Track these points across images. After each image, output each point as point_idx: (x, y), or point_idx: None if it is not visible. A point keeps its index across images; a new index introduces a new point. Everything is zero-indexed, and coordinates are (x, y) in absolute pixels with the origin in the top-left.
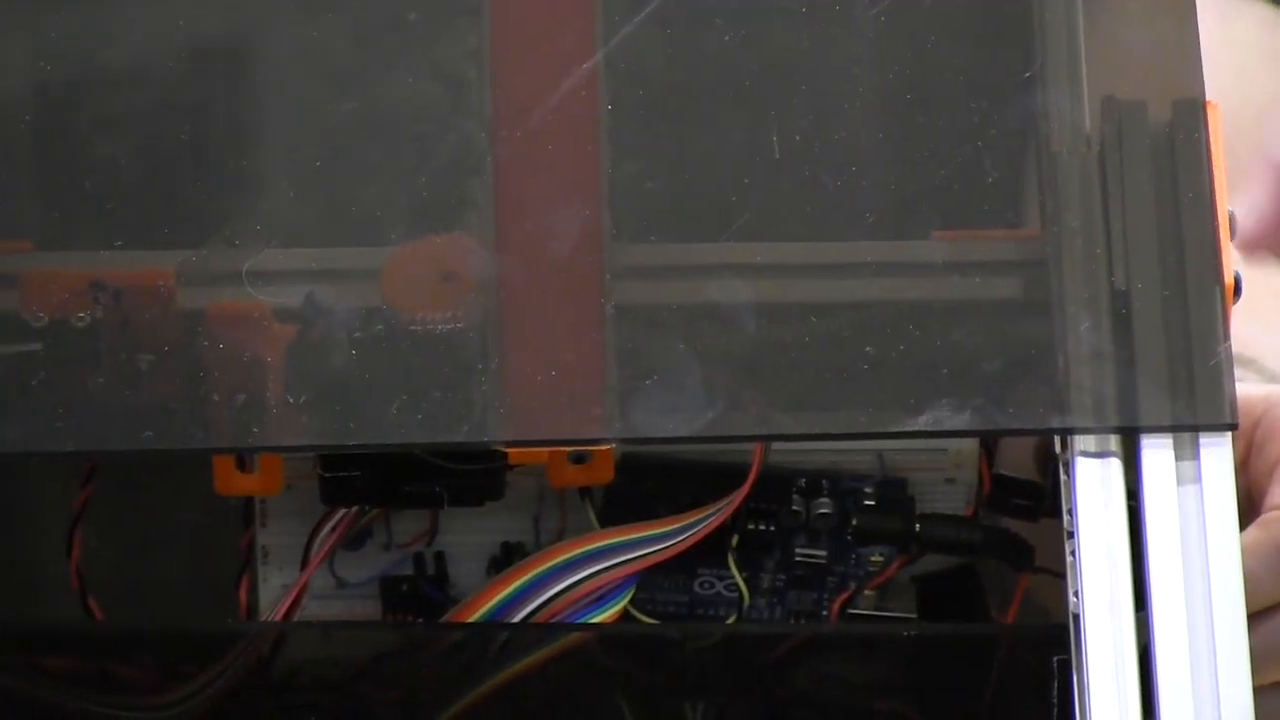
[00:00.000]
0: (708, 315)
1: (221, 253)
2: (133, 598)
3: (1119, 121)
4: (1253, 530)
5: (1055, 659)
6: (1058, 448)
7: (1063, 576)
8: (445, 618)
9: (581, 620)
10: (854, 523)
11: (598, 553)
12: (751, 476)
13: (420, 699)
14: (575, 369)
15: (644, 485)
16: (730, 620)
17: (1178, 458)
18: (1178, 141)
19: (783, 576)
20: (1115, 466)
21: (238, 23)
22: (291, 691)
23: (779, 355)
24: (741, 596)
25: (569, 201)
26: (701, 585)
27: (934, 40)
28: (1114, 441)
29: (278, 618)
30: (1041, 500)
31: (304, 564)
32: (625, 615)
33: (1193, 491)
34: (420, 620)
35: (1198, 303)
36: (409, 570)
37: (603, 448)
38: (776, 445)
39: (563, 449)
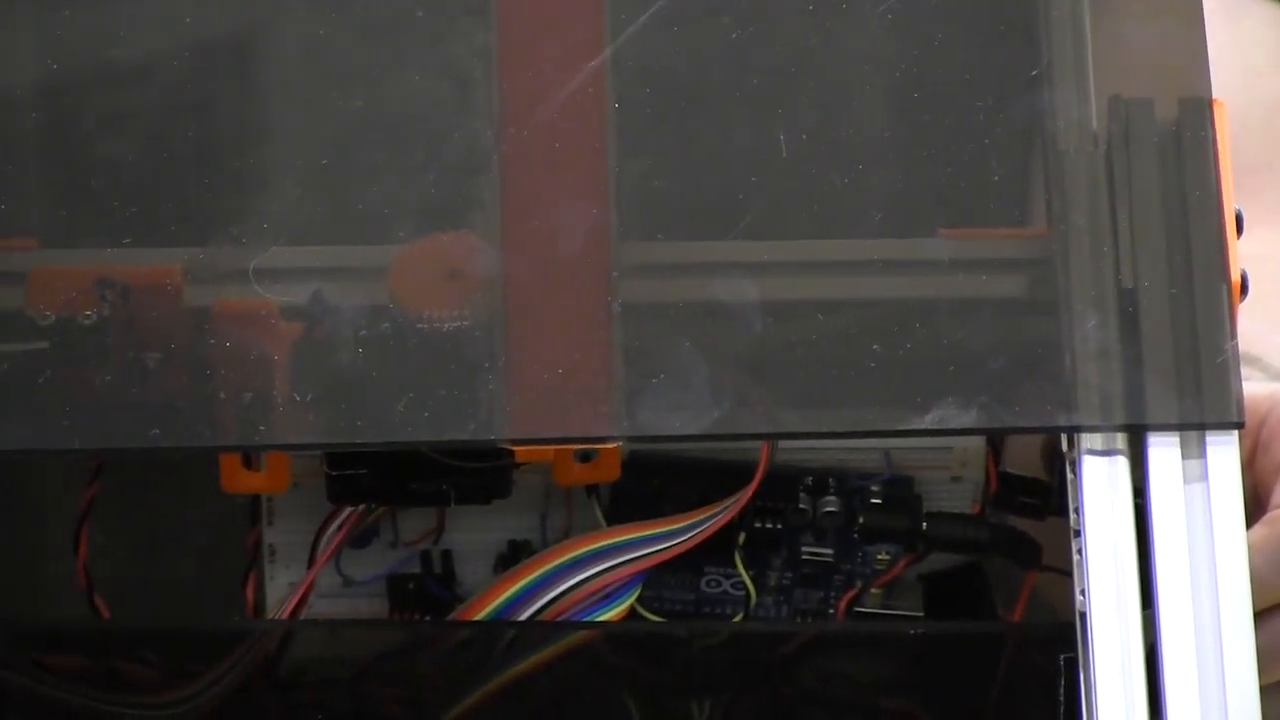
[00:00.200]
0: (714, 313)
1: (228, 251)
2: (139, 596)
3: (1126, 120)
4: (1259, 528)
5: (1062, 657)
6: (1064, 446)
7: (1069, 575)
8: (452, 616)
9: (588, 618)
10: (861, 521)
11: (604, 551)
12: (758, 475)
13: (427, 697)
14: (582, 367)
15: (650, 483)
16: (737, 618)
17: (1184, 456)
18: (1184, 140)
19: (789, 575)
20: (1122, 465)
21: (244, 20)
22: (298, 690)
23: (786, 353)
24: (748, 595)
25: (576, 200)
26: (708, 583)
27: (940, 38)
28: (1121, 440)
29: (284, 616)
30: (1048, 498)
31: (311, 562)
32: (632, 613)
33: (1199, 490)
34: (427, 618)
35: (1204, 301)
36: (416, 568)
37: (609, 446)
38: (783, 444)
39: (569, 447)
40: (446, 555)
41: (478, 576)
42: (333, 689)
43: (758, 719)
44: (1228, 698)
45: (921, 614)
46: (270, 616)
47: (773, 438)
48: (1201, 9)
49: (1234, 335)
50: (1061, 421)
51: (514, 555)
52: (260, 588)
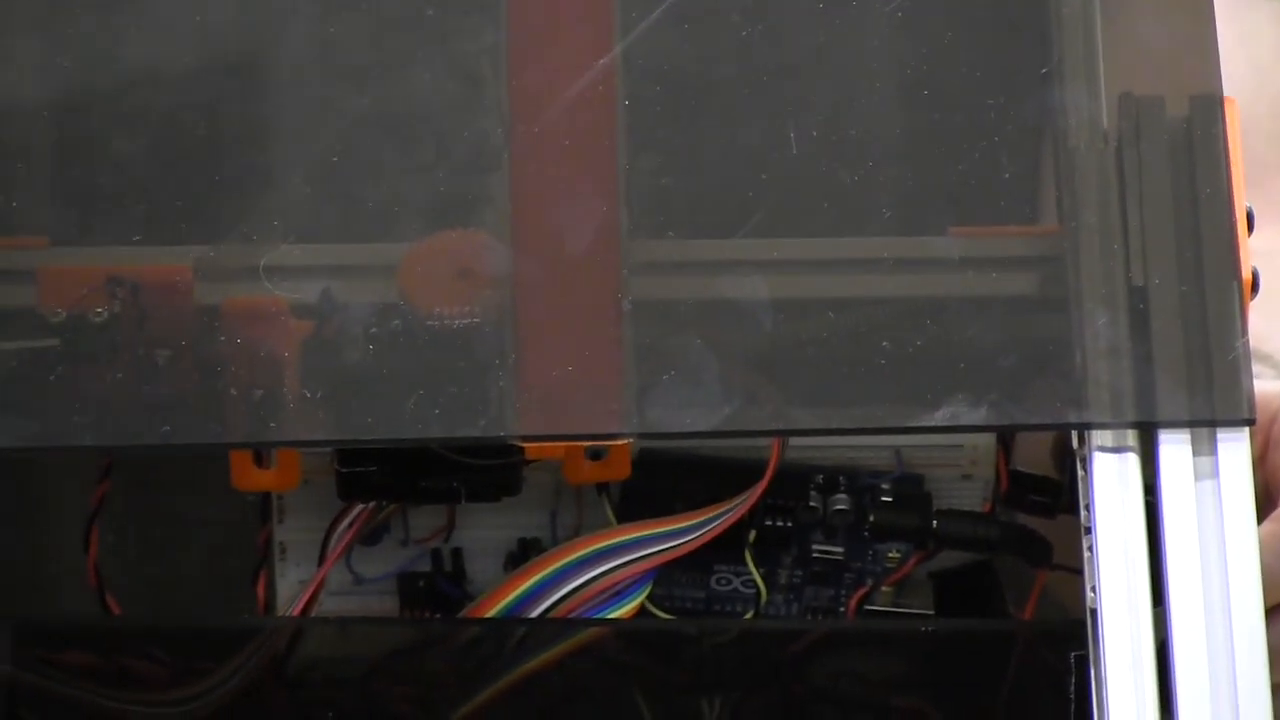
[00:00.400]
0: (724, 310)
1: (238, 248)
2: (150, 593)
3: (1136, 117)
4: (1269, 524)
5: (1073, 655)
6: (1075, 443)
7: (1080, 572)
8: (462, 613)
9: (598, 616)
10: (871, 519)
11: (614, 549)
12: (769, 473)
13: (437, 695)
14: (592, 364)
15: (661, 481)
16: (747, 616)
17: (1195, 453)
18: (1195, 137)
19: (800, 572)
20: (1133, 462)
21: (255, 19)
22: (308, 687)
23: (796, 350)
24: (759, 592)
25: (586, 197)
26: (719, 581)
27: (951, 36)
28: (1131, 437)
29: (295, 613)
30: (1059, 496)
31: (321, 559)
32: (642, 611)
33: (1210, 487)
34: (437, 616)
35: (1215, 298)
36: (426, 566)
37: (620, 443)
38: (793, 441)
39: (580, 444)
40: (457, 553)
41: (488, 574)
42: (343, 687)
43: (768, 717)
44: (1238, 695)
45: (932, 612)
46: (280, 614)
47: (783, 434)
48: (1212, 6)
49: (1245, 332)
50: (1072, 418)
51: (524, 553)
52: (270, 585)
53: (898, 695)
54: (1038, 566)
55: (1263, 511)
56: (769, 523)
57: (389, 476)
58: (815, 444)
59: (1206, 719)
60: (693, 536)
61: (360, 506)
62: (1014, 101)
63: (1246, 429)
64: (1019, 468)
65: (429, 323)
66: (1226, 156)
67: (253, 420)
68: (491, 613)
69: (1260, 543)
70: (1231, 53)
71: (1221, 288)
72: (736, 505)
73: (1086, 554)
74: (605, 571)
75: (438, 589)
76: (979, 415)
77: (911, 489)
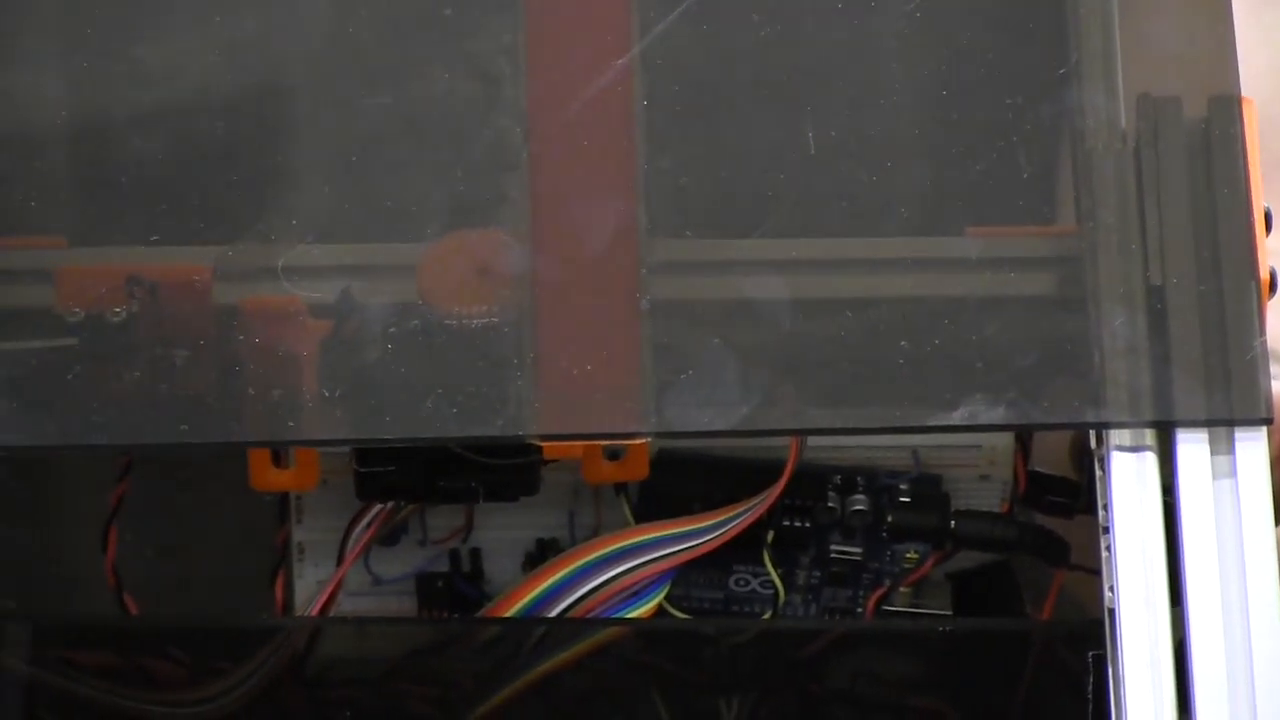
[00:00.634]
0: (743, 310)
1: (257, 248)
2: (168, 593)
3: (1154, 117)
4: None
5: (1090, 655)
6: (1093, 443)
7: (1098, 572)
8: (480, 613)
9: (616, 616)
10: (889, 519)
11: (633, 549)
12: (786, 473)
13: (456, 694)
14: (610, 363)
15: (679, 481)
16: (765, 616)
17: (1213, 452)
18: (1213, 137)
19: (818, 573)
20: (1150, 461)
21: (273, 19)
22: (326, 687)
23: (814, 350)
24: (777, 593)
25: (604, 197)
26: (737, 581)
27: (968, 36)
28: (1149, 436)
29: (313, 613)
30: (1077, 497)
31: (339, 560)
32: (660, 611)
33: (1228, 486)
34: (455, 616)
35: (1233, 298)
36: (444, 566)
37: (638, 442)
38: (811, 441)
39: (598, 444)
40: (475, 553)
41: (506, 574)
42: (361, 687)
43: (786, 717)
44: (1256, 694)
45: (950, 612)
46: (299, 614)
47: (801, 433)
48: (1230, 7)
49: (1262, 332)
50: (1090, 418)
51: (542, 553)
52: (289, 585)
53: (916, 696)
54: (1056, 566)
55: None
56: (787, 523)
57: (407, 476)
58: (833, 444)
59: (1224, 719)
60: (711, 537)
61: (378, 506)
62: (1032, 102)
63: (1264, 428)
64: (1037, 468)
65: (447, 322)
66: (1244, 156)
67: (271, 419)
68: (510, 613)
69: (1278, 542)
70: (1249, 53)
71: (1239, 287)
72: (754, 505)
73: (1104, 554)
74: (623, 572)
75: (456, 589)
76: (997, 415)
77: (929, 489)
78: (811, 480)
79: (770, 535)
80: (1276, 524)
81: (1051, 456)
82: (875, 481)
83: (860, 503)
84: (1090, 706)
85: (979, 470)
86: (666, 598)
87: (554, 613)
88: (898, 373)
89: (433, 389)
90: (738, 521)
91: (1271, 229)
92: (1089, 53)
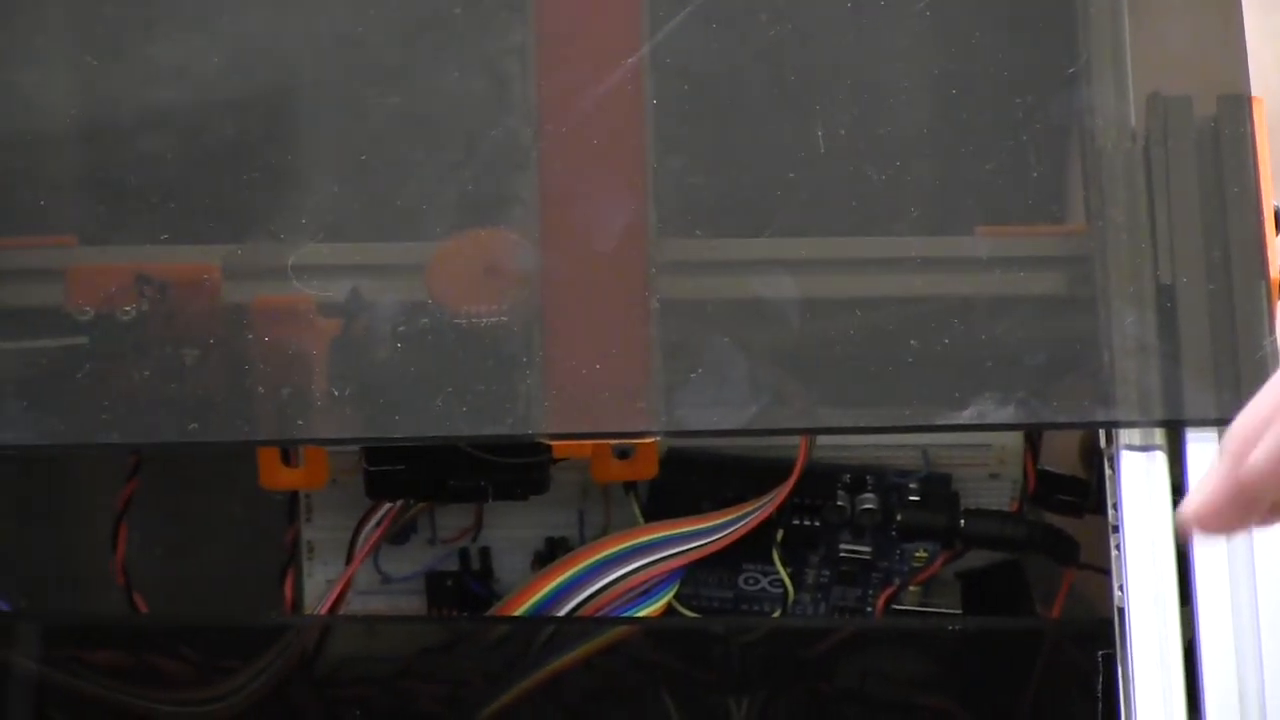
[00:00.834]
0: (752, 309)
1: (266, 247)
2: (178, 592)
3: (1164, 117)
4: None
5: (1100, 653)
6: (1102, 442)
7: (1108, 571)
8: (490, 612)
9: (626, 614)
10: (898, 518)
11: (642, 547)
12: (796, 472)
13: (465, 693)
14: (620, 363)
15: (688, 480)
16: (775, 615)
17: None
18: (1223, 136)
19: (827, 572)
20: (1160, 460)
21: (283, 19)
22: (336, 686)
23: (823, 349)
24: (786, 592)
25: (613, 196)
26: (746, 580)
27: (978, 36)
28: (1159, 435)
29: (322, 612)
30: (1086, 496)
31: (349, 558)
32: (670, 610)
33: None
34: (465, 615)
35: (1243, 297)
36: (454, 565)
37: (647, 441)
38: (821, 441)
39: (607, 443)
40: (484, 552)
41: (516, 573)
42: (371, 685)
43: (795, 715)
44: (1266, 693)
45: (959, 611)
46: (308, 613)
47: (810, 432)
48: (1240, 6)
49: (1272, 331)
50: (1100, 417)
51: (551, 552)
52: (298, 584)
53: (925, 694)
54: (1065, 565)
55: None
56: (796, 522)
57: (417, 475)
58: (842, 443)
59: (1234, 718)
60: (720, 535)
61: (388, 505)
62: (1042, 101)
63: None
64: (1047, 467)
65: (457, 321)
66: (1254, 156)
67: (280, 418)
68: (519, 611)
69: None
70: (1259, 52)
71: (1249, 286)
72: (764, 504)
73: (1114, 552)
74: (633, 570)
75: (465, 588)
76: (1006, 414)
77: (939, 488)
78: (821, 479)
79: (780, 534)
80: None
81: (1061, 455)
82: (884, 480)
83: (869, 501)
84: (1100, 705)
85: (988, 469)
86: (676, 596)
87: (563, 611)
88: (907, 372)
89: (442, 388)
90: (747, 520)
91: None
92: (1099, 52)
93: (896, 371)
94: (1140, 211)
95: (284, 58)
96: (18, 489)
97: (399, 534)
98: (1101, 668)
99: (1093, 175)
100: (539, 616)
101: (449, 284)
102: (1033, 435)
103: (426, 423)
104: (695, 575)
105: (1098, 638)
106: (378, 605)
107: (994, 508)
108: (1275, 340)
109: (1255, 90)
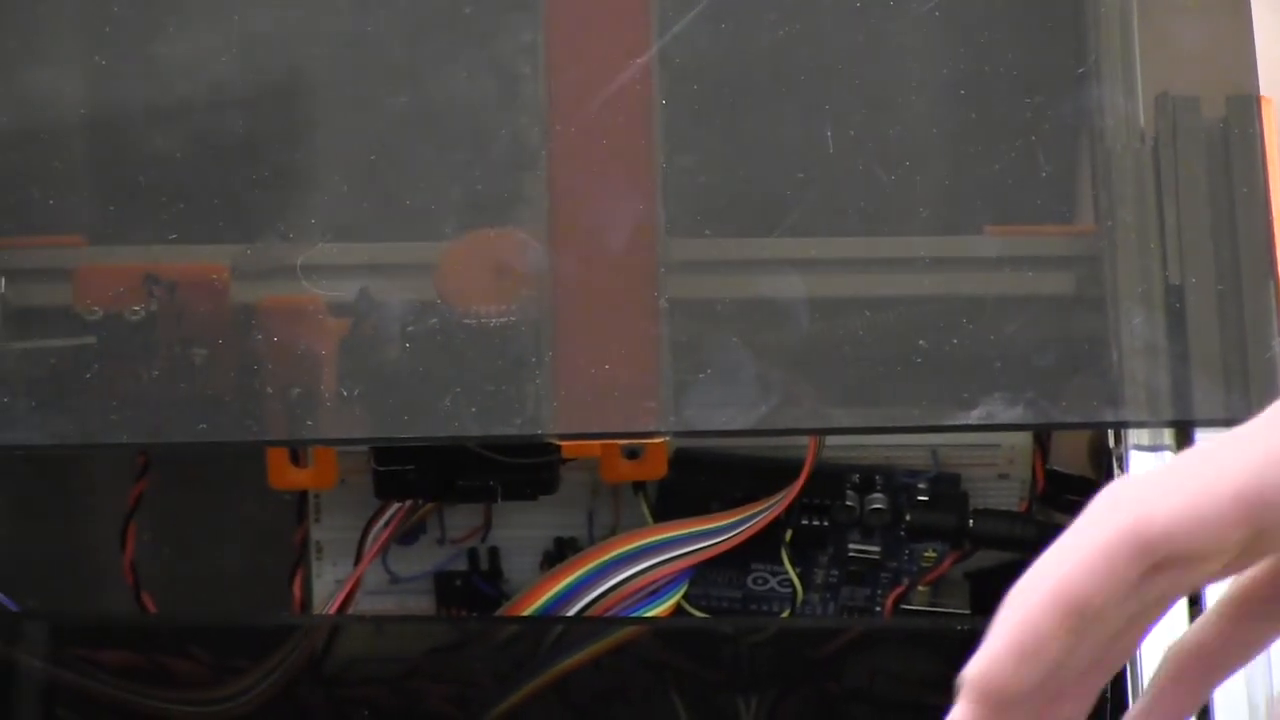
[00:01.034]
0: (762, 309)
1: (276, 247)
2: (186, 592)
3: (1173, 117)
4: None
5: None
6: (1111, 442)
7: None
8: (499, 612)
9: (635, 615)
10: (907, 519)
11: (651, 547)
12: (805, 472)
13: (474, 693)
14: (629, 363)
15: (697, 480)
16: (784, 615)
17: None
18: (1232, 137)
19: (836, 572)
20: (1169, 460)
21: (292, 18)
22: (345, 686)
23: (833, 349)
24: (795, 592)
25: (623, 196)
26: (755, 580)
27: (988, 35)
28: (1168, 435)
29: (331, 612)
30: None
31: (358, 558)
32: (678, 610)
33: None
34: (474, 615)
35: (1252, 297)
36: (463, 565)
37: (656, 441)
38: (829, 441)
39: (616, 443)
40: (493, 552)
41: (525, 573)
42: (379, 685)
43: (804, 715)
44: (1274, 694)
45: (968, 611)
46: (317, 613)
47: (819, 433)
48: (1249, 6)
49: None
50: (1108, 417)
51: (560, 552)
52: (307, 584)
53: (934, 695)
54: None
55: None
56: (805, 522)
57: (426, 475)
58: (851, 443)
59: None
60: (729, 535)
61: (397, 505)
62: (1051, 101)
63: None
64: (1056, 467)
65: (466, 321)
66: (1263, 156)
67: (290, 418)
68: (528, 611)
69: None
70: (1268, 52)
71: (1258, 286)
72: (773, 504)
73: None
74: (642, 570)
75: (474, 588)
76: (1015, 414)
77: (948, 488)
78: (830, 479)
79: (788, 534)
80: None
81: (1070, 455)
82: (893, 480)
83: (878, 501)
84: (1108, 707)
85: (998, 469)
86: (685, 596)
87: (572, 611)
88: (916, 372)
89: (451, 388)
90: (756, 520)
91: None
92: (1108, 52)
93: (905, 372)
94: (1149, 212)
95: (293, 57)
96: (26, 488)
97: (408, 534)
98: None
99: (1102, 175)
100: (548, 617)
101: (458, 284)
102: (1042, 435)
103: (435, 423)
104: (704, 575)
105: None
106: (386, 605)
107: (1003, 508)
108: None
109: (1265, 90)
